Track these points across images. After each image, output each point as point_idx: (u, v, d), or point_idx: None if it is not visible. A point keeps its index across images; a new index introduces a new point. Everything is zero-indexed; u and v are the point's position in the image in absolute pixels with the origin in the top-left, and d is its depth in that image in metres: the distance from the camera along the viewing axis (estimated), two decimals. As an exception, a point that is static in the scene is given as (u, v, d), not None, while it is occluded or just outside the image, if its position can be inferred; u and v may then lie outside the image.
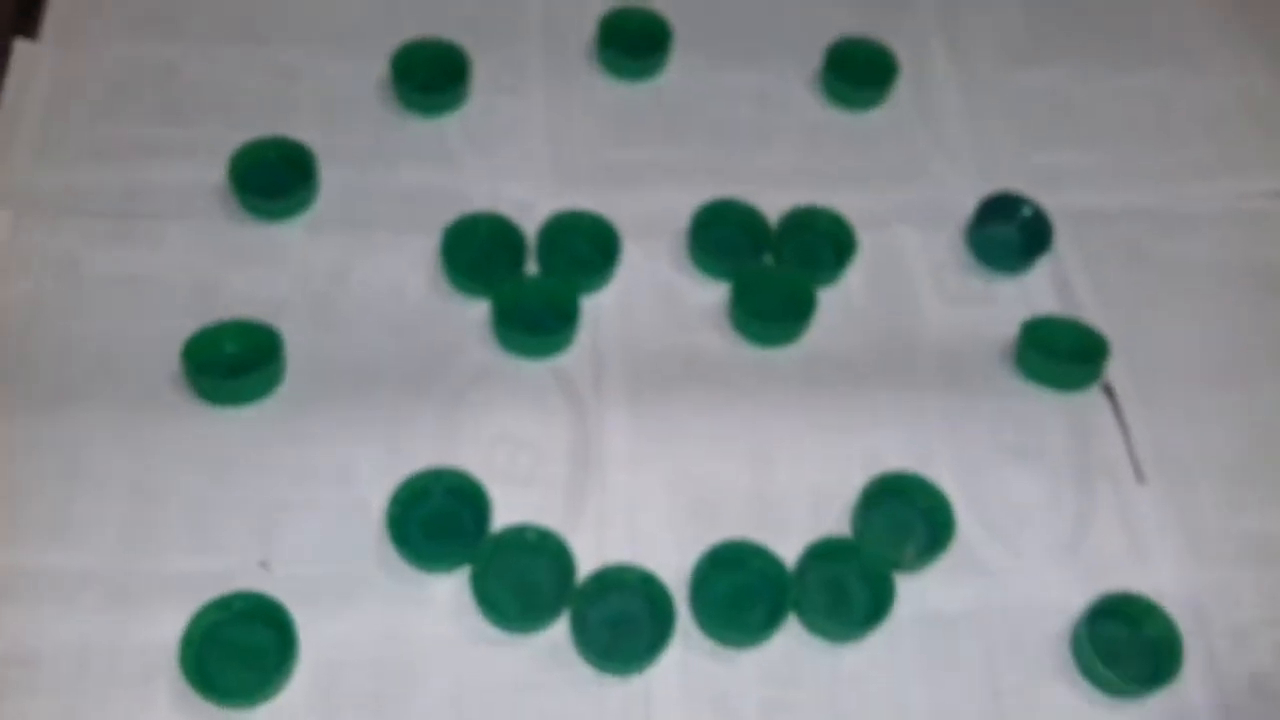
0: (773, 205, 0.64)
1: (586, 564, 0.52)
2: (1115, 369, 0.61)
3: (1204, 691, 0.52)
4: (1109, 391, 0.60)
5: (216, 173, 0.62)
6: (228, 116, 0.65)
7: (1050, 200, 0.65)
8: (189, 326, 0.57)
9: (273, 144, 0.63)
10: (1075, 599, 0.53)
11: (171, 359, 0.56)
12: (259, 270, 0.61)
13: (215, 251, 0.61)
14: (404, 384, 0.57)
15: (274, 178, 0.62)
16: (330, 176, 0.63)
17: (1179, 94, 0.72)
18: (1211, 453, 0.59)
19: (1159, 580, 0.55)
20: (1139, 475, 0.58)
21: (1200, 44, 0.75)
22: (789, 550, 0.53)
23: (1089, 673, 0.52)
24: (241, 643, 0.50)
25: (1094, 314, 0.63)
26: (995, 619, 0.53)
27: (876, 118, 0.70)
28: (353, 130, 0.66)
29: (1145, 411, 0.60)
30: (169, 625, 0.49)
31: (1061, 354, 0.60)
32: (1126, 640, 0.52)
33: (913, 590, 0.53)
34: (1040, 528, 0.56)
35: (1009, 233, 0.65)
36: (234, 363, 0.56)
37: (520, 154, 0.66)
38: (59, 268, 0.59)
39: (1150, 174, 0.69)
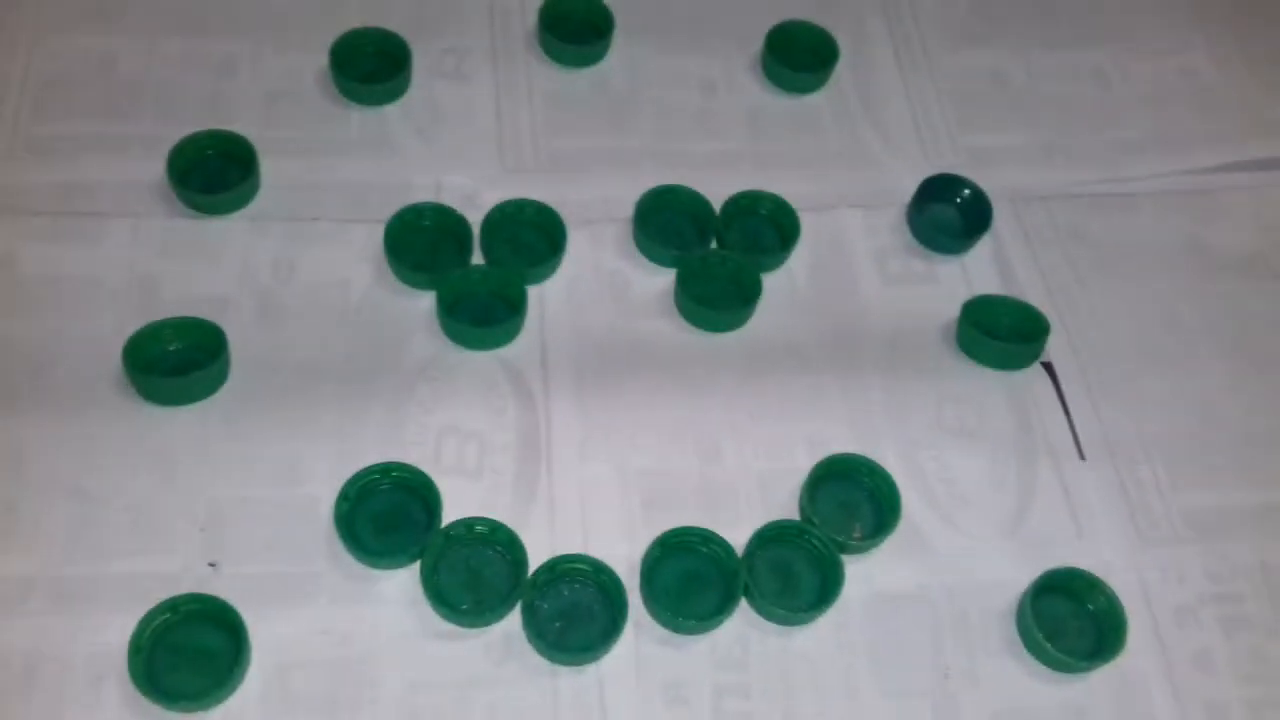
0: (717, 190, 0.64)
1: (538, 555, 0.53)
2: (1056, 348, 0.62)
3: (1151, 666, 0.53)
4: (1049, 369, 0.61)
5: (155, 168, 0.61)
6: (166, 110, 0.64)
7: (991, 180, 0.66)
8: (130, 325, 0.56)
9: (212, 137, 0.63)
10: (1019, 576, 0.54)
11: (113, 358, 0.55)
12: (201, 266, 0.60)
13: (156, 248, 0.60)
14: (350, 378, 0.57)
15: (214, 172, 0.62)
16: (271, 169, 0.63)
17: (1119, 72, 0.73)
18: (1152, 431, 0.60)
19: (1102, 557, 0.56)
20: (1080, 453, 0.59)
21: (1142, 23, 0.76)
22: (739, 535, 0.54)
23: (1034, 648, 0.53)
24: (191, 645, 0.49)
25: (1035, 293, 0.63)
26: (941, 597, 0.54)
27: (818, 101, 0.70)
28: (293, 122, 0.65)
29: (1086, 390, 0.61)
30: (118, 629, 0.49)
31: (1001, 333, 0.61)
32: (1070, 615, 0.54)
33: (860, 571, 0.54)
34: (984, 506, 0.57)
35: (949, 213, 0.66)
36: (177, 361, 0.56)
37: (463, 142, 0.66)
38: (-4, 267, 0.59)
39: (1090, 153, 0.70)
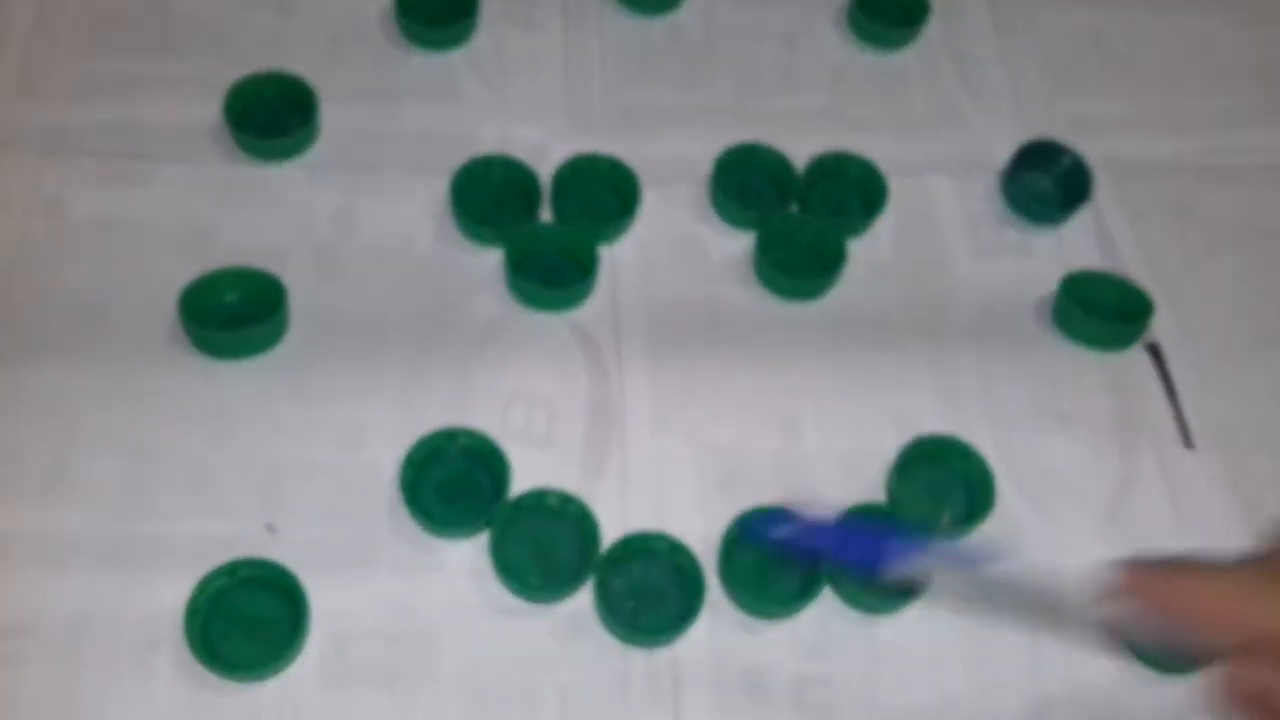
0: (799, 151, 0.61)
1: (609, 530, 0.50)
2: (1161, 329, 0.58)
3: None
4: (1154, 351, 0.58)
5: (211, 110, 0.59)
6: (222, 50, 0.62)
7: (1089, 149, 0.62)
8: (185, 274, 0.54)
9: (270, 79, 0.60)
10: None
11: (167, 308, 0.53)
12: (258, 214, 0.57)
13: (211, 194, 0.58)
14: (414, 338, 0.54)
15: (272, 116, 0.59)
16: (331, 115, 0.60)
17: (1224, 40, 0.69)
18: (1263, 419, 0.56)
19: (1206, 547, 0.52)
20: (1186, 440, 0.55)
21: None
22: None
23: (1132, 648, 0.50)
24: (249, 612, 0.47)
25: (1137, 269, 0.60)
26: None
27: (907, 59, 0.66)
28: (355, 66, 0.62)
29: (1195, 374, 0.57)
30: (172, 592, 0.47)
31: (1102, 311, 0.57)
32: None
33: (949, 559, 0.51)
34: (1080, 495, 0.54)
35: (1046, 182, 0.62)
36: (234, 313, 0.53)
37: (532, 93, 0.63)
38: (45, 209, 0.56)
39: (1195, 123, 0.66)
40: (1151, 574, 0.39)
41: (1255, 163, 0.65)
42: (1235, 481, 0.55)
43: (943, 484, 0.53)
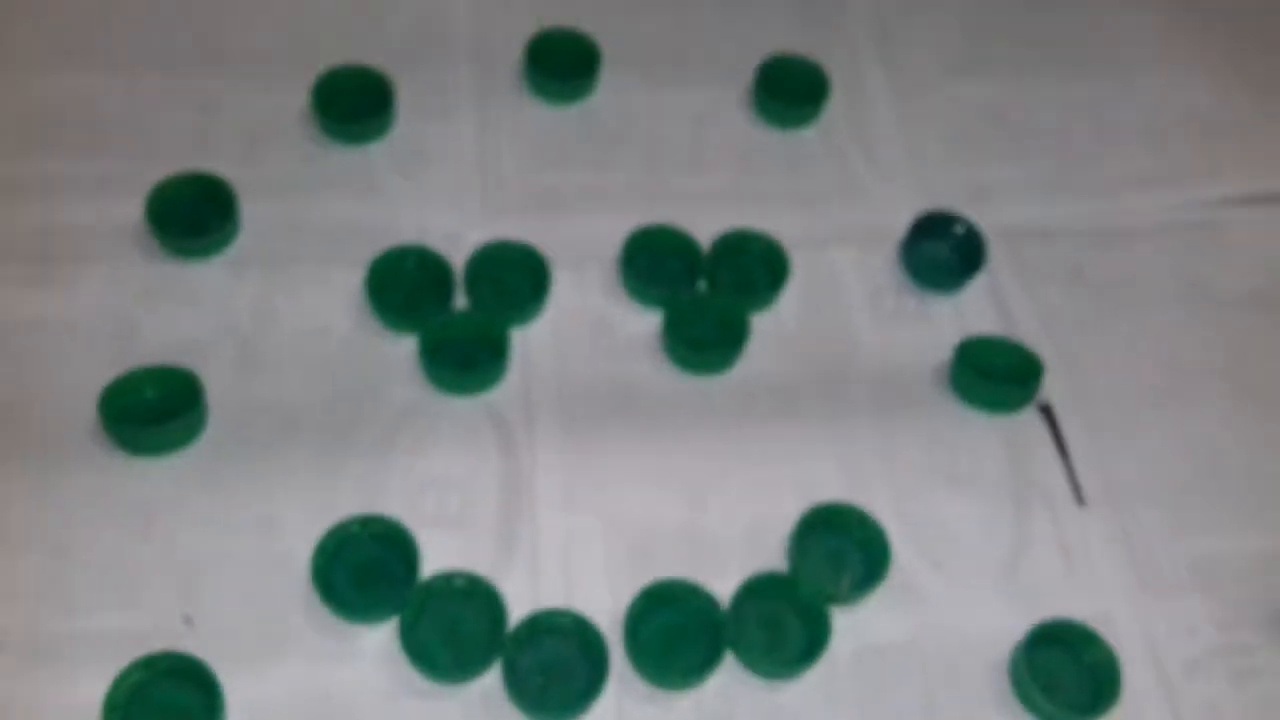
0: (706, 229, 0.63)
1: (519, 608, 0.51)
2: (1054, 389, 0.60)
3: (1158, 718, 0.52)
4: (1046, 412, 0.60)
5: (133, 209, 0.61)
6: (145, 150, 0.64)
7: (986, 216, 0.65)
8: (107, 373, 0.55)
9: (191, 180, 0.62)
10: (1013, 626, 0.53)
11: (88, 407, 0.54)
12: (179, 311, 0.59)
13: (133, 293, 0.59)
14: (330, 427, 0.56)
15: (193, 214, 0.61)
16: (252, 211, 0.62)
17: (1117, 106, 0.72)
18: (1155, 474, 0.58)
19: (1101, 606, 0.54)
20: (1079, 497, 0.57)
21: (1139, 56, 0.74)
22: (726, 586, 0.52)
23: (1028, 702, 0.51)
24: (167, 703, 0.48)
25: (1031, 333, 0.62)
26: (933, 649, 0.53)
27: (810, 136, 0.69)
28: (275, 162, 0.65)
29: (1086, 433, 0.59)
30: (91, 686, 0.48)
31: (996, 375, 0.59)
32: (1065, 668, 0.52)
33: (850, 623, 0.53)
34: (977, 554, 0.55)
35: (943, 251, 0.64)
36: (154, 410, 0.55)
37: (448, 182, 0.65)
38: (-31, 313, 0.58)
39: (1088, 187, 0.68)
40: None
41: (1145, 225, 0.67)
42: (1128, 535, 0.56)
43: (840, 550, 0.54)
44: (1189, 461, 0.59)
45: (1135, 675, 0.52)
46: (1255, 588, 0.56)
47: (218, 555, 0.52)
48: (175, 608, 0.51)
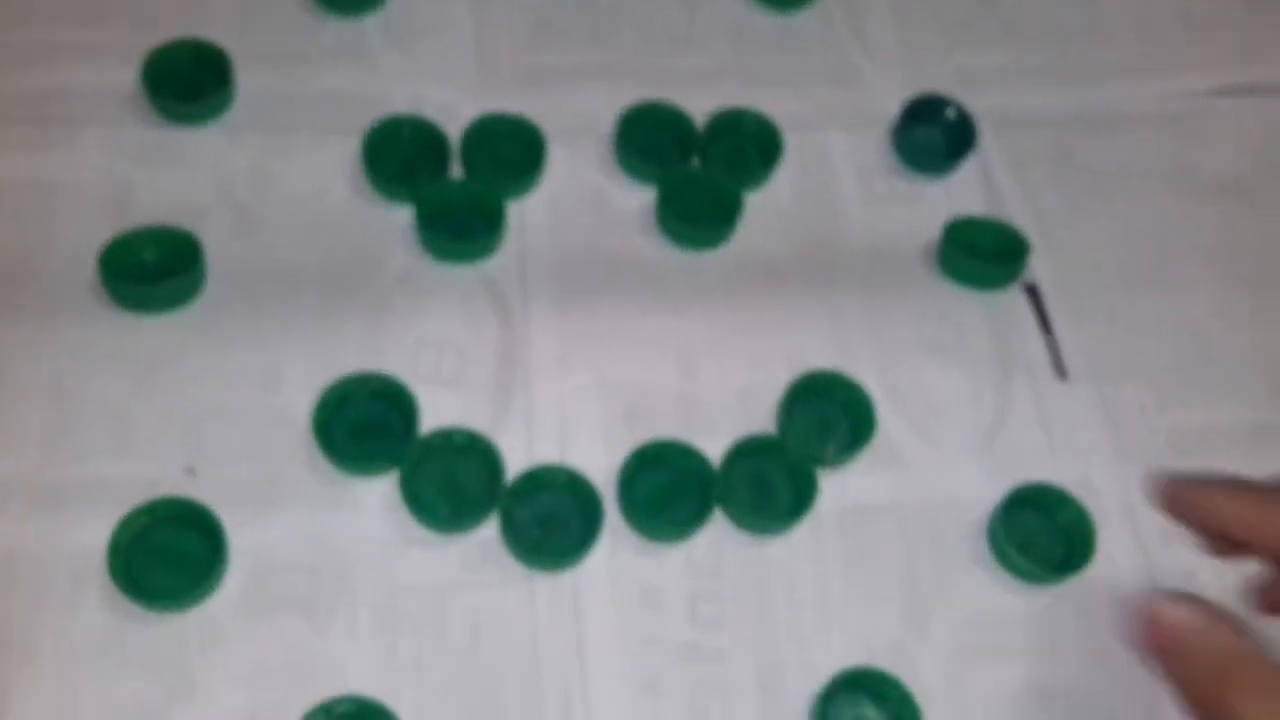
0: (700, 108, 0.64)
1: (515, 465, 0.53)
2: (1041, 270, 0.62)
3: (1135, 581, 0.54)
4: (1031, 291, 0.61)
5: (129, 76, 0.61)
6: (140, 19, 0.63)
7: (977, 102, 0.66)
8: (106, 233, 0.56)
9: (186, 46, 0.62)
10: (992, 490, 0.55)
11: (89, 266, 0.55)
12: (177, 175, 0.59)
13: (131, 156, 0.59)
14: (328, 289, 0.57)
15: (189, 81, 0.61)
16: (247, 80, 0.62)
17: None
18: (1137, 351, 0.60)
19: (1081, 475, 0.56)
20: (1060, 372, 0.59)
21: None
22: (716, 449, 0.54)
23: (1005, 560, 0.53)
24: (170, 547, 0.49)
25: (1021, 217, 0.63)
26: (914, 511, 0.55)
27: (804, 21, 0.69)
28: (269, 31, 0.64)
29: (1071, 312, 0.61)
30: (96, 531, 0.49)
31: (983, 253, 0.61)
32: (1041, 529, 0.54)
33: (835, 484, 0.54)
34: (959, 422, 0.57)
35: (933, 135, 0.65)
36: (153, 269, 0.56)
37: (443, 55, 0.65)
38: (-31, 174, 0.58)
39: (1078, 74, 0.69)
40: (1186, 486, 0.43)
41: (1134, 112, 0.68)
42: (1107, 408, 0.58)
43: (828, 415, 0.56)
44: (1170, 339, 0.61)
45: (1113, 542, 0.54)
46: (1232, 460, 0.57)
47: (219, 409, 0.53)
48: (178, 458, 0.52)
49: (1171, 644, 0.45)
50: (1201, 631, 0.45)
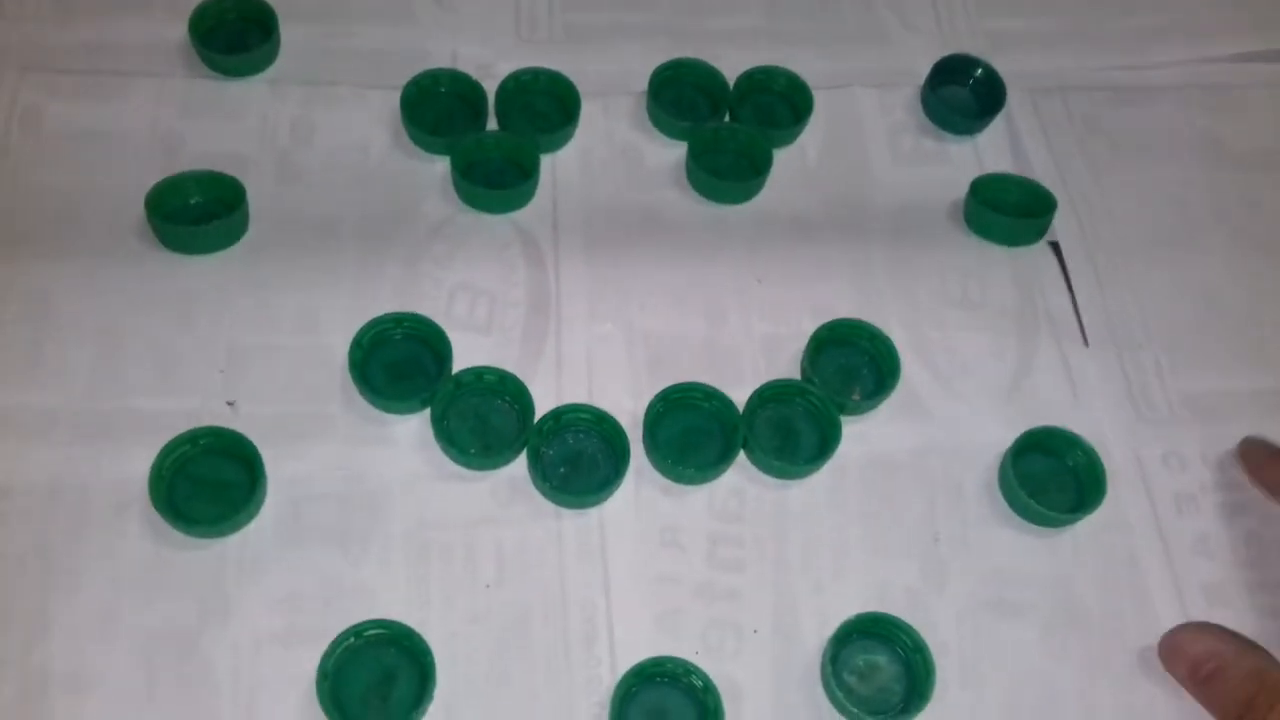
0: (731, 66, 0.65)
1: (544, 407, 0.54)
2: (1064, 232, 0.62)
3: (1147, 545, 0.54)
4: (1056, 249, 0.62)
5: (178, 29, 0.62)
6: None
7: (1006, 66, 0.66)
8: (153, 178, 0.57)
9: (233, 0, 0.63)
10: (1011, 440, 0.55)
11: (136, 210, 0.57)
12: (222, 125, 0.61)
13: (178, 106, 0.61)
14: (366, 235, 0.58)
15: (235, 34, 0.63)
16: (291, 33, 0.64)
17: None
18: (1157, 315, 0.60)
19: (1098, 430, 0.57)
20: (1083, 334, 0.59)
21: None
22: (741, 395, 0.55)
23: (1016, 504, 0.54)
24: (210, 476, 0.51)
25: (1047, 178, 0.64)
26: (935, 460, 0.55)
27: (837, -18, 0.70)
28: (313, -12, 0.66)
29: (1092, 273, 0.61)
30: (138, 460, 0.51)
31: (1008, 208, 0.61)
32: (1050, 471, 0.55)
33: (857, 432, 0.55)
34: (982, 375, 0.58)
35: (962, 94, 0.66)
36: (198, 212, 0.57)
37: (482, 13, 0.66)
38: (22, 120, 0.60)
39: (1109, 39, 0.69)
40: (1268, 453, 0.43)
41: (1162, 81, 0.68)
42: (1124, 369, 0.59)
43: (853, 363, 0.57)
44: (1189, 304, 0.61)
45: (1127, 502, 0.55)
46: (1249, 426, 0.58)
47: (259, 346, 0.55)
48: (219, 392, 0.54)
49: (1205, 672, 0.47)
50: (1233, 659, 0.47)
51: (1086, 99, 0.67)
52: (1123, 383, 0.58)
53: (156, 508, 0.50)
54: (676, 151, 0.63)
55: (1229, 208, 0.65)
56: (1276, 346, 0.60)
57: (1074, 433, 0.55)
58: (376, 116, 0.62)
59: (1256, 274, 0.63)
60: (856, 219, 0.62)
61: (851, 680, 0.50)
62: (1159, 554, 0.54)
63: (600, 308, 0.58)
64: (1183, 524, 0.55)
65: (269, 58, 0.63)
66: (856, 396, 0.56)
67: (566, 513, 0.52)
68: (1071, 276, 0.61)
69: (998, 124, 0.66)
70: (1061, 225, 0.62)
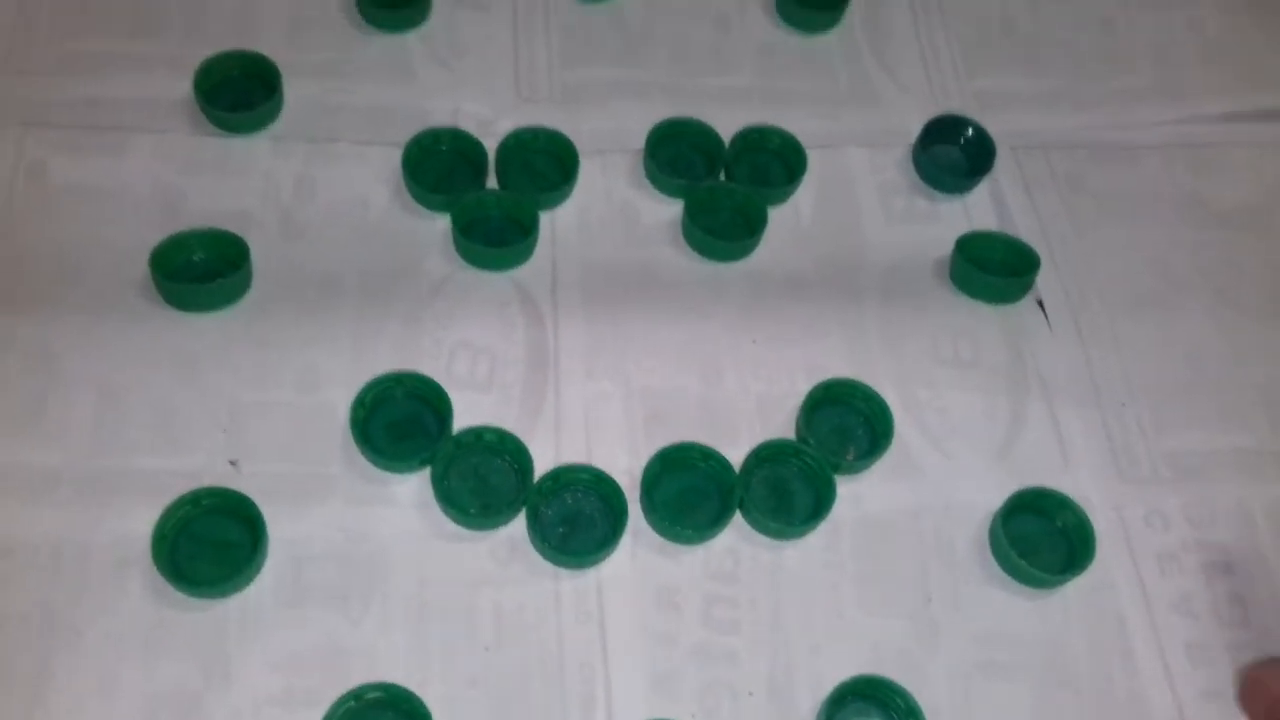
0: (727, 125, 0.66)
1: (543, 465, 0.55)
2: (1047, 290, 0.63)
3: (1130, 604, 0.55)
4: (1042, 306, 0.63)
5: (181, 86, 0.63)
6: (191, 31, 0.66)
7: (995, 124, 0.68)
8: (156, 235, 0.58)
9: (237, 57, 0.64)
10: (1002, 501, 0.56)
11: (139, 266, 0.58)
12: (224, 181, 0.62)
13: (181, 163, 0.62)
14: (368, 293, 0.59)
15: (239, 91, 0.64)
16: (294, 92, 0.65)
17: (1126, 21, 0.74)
18: (1138, 374, 0.61)
19: (1084, 491, 0.58)
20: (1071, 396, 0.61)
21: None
22: (737, 454, 0.56)
23: (1006, 564, 0.55)
24: (212, 536, 0.52)
25: (1031, 237, 0.65)
26: (928, 520, 0.56)
27: (830, 41, 0.71)
28: (317, 45, 0.67)
29: (1075, 332, 0.62)
30: (141, 520, 0.51)
31: (993, 267, 0.62)
32: (1041, 532, 0.56)
33: (850, 493, 0.56)
34: (973, 434, 0.59)
35: (952, 153, 0.67)
36: (201, 270, 0.58)
37: (481, 71, 0.67)
38: (28, 175, 0.60)
39: (1094, 100, 0.71)
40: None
41: (1146, 141, 0.70)
42: (1107, 427, 0.60)
43: (847, 423, 0.58)
44: (1173, 363, 0.62)
45: (1111, 563, 0.56)
46: (1230, 485, 0.59)
47: (261, 404, 0.56)
48: (221, 451, 0.54)
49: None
50: None
51: (1070, 157, 0.69)
52: (1105, 441, 0.59)
53: (159, 568, 0.50)
54: (673, 209, 0.64)
55: (1211, 266, 0.66)
56: (1258, 405, 0.62)
57: (1064, 493, 0.56)
58: (378, 174, 0.63)
59: (1239, 332, 0.64)
60: (849, 278, 0.63)
61: (846, 742, 0.50)
62: (1143, 613, 0.55)
63: (598, 365, 0.59)
64: (1165, 584, 0.56)
65: (272, 115, 0.64)
66: (851, 456, 0.57)
67: (565, 574, 0.53)
68: (1055, 334, 0.62)
69: (985, 183, 0.67)
70: (1045, 284, 0.64)
